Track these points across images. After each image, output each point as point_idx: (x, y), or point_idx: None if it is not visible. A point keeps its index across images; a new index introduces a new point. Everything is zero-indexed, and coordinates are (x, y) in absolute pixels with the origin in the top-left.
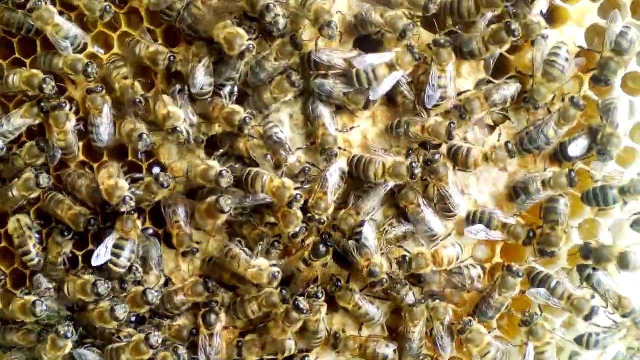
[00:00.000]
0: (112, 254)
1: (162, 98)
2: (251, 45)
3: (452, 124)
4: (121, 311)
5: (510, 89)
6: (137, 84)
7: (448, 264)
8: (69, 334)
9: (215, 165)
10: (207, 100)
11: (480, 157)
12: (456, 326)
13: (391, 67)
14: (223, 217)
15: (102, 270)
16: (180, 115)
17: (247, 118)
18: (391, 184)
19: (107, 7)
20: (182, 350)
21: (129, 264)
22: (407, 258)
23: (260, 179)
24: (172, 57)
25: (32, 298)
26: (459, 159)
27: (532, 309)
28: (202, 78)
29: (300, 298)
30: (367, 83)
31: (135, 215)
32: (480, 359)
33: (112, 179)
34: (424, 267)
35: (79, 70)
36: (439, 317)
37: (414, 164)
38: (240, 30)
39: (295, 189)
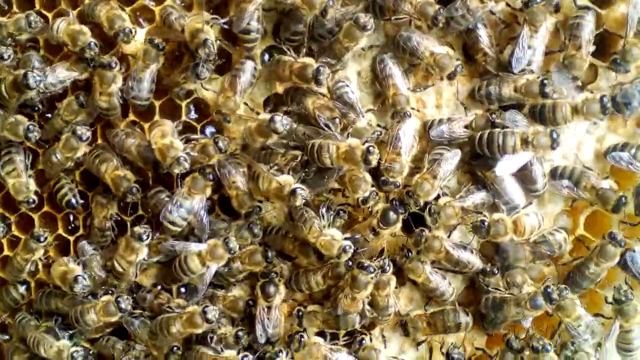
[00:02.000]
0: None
1: None
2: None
3: (544, 82)
4: None
5: None
6: None
7: (530, 233)
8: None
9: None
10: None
11: (570, 111)
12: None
13: None
14: (274, 137)
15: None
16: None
17: (320, 67)
18: None
19: None
20: (242, 333)
21: (184, 223)
22: (485, 223)
23: (326, 150)
24: None
25: (76, 270)
26: (546, 117)
27: (624, 287)
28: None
29: (365, 260)
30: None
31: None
32: (623, 333)
33: (167, 138)
34: (502, 235)
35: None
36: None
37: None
38: None
39: (364, 143)
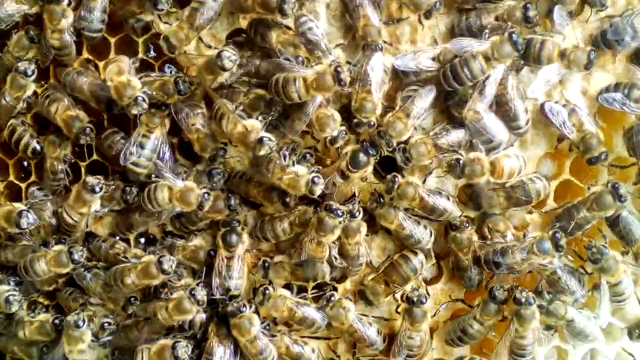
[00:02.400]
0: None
1: None
2: None
3: (527, 5)
4: None
5: None
6: None
7: (508, 176)
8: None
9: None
10: None
11: (556, 53)
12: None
13: None
14: (225, 75)
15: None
16: None
17: None
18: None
19: None
20: (200, 293)
21: (149, 164)
22: (460, 162)
23: (292, 83)
24: None
25: (20, 207)
26: (530, 53)
27: (598, 243)
28: None
29: (333, 202)
30: None
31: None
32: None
33: (123, 76)
34: (478, 175)
35: None
36: (499, 230)
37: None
38: None
39: (337, 68)
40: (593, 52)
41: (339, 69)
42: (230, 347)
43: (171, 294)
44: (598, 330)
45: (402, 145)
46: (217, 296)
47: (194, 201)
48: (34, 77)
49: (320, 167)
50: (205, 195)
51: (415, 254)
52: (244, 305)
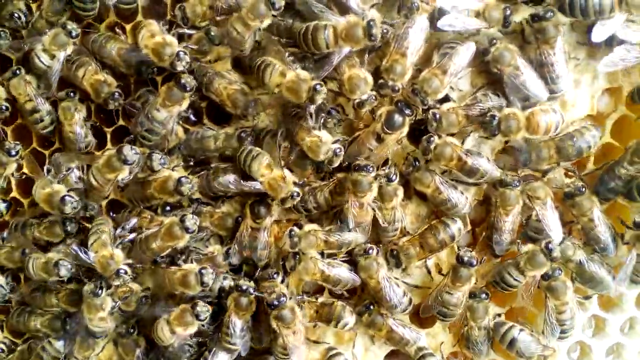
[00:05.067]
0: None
1: None
2: None
3: None
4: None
5: None
6: None
7: (545, 131)
8: None
9: None
10: None
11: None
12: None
13: None
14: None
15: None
16: None
17: None
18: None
19: None
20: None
21: (157, 138)
22: (495, 117)
23: (322, 32)
24: None
25: (61, 189)
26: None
27: None
28: None
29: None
30: None
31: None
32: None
33: (158, 36)
34: (515, 131)
35: None
36: (539, 197)
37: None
38: None
39: (370, 21)
40: None
41: (371, 22)
42: (248, 322)
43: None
44: (610, 279)
45: (434, 111)
46: (235, 262)
47: (171, 187)
48: (78, 38)
49: (345, 136)
50: (182, 179)
51: (455, 220)
52: (277, 273)
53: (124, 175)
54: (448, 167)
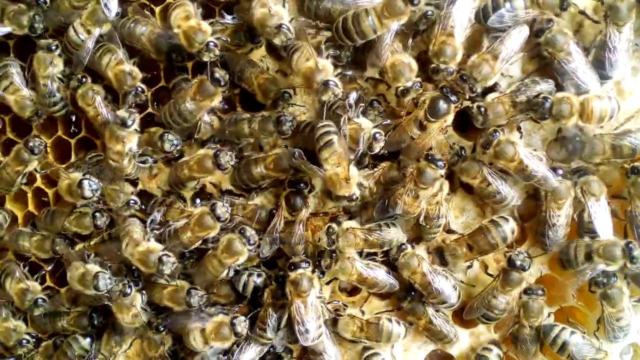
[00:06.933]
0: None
1: None
2: None
3: None
4: None
5: None
6: None
7: (599, 119)
8: None
9: None
10: None
11: None
12: None
13: None
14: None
15: None
16: None
17: None
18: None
19: None
20: (250, 232)
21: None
22: (548, 100)
23: (365, 17)
24: None
25: (77, 176)
26: None
27: None
28: None
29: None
30: None
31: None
32: None
33: (192, 20)
34: (567, 116)
35: None
36: (594, 194)
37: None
38: None
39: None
40: None
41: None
42: (284, 317)
43: None
44: None
45: (479, 104)
46: (267, 254)
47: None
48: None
49: (389, 120)
50: (218, 153)
51: (507, 220)
52: (307, 262)
53: (132, 143)
54: (506, 167)
